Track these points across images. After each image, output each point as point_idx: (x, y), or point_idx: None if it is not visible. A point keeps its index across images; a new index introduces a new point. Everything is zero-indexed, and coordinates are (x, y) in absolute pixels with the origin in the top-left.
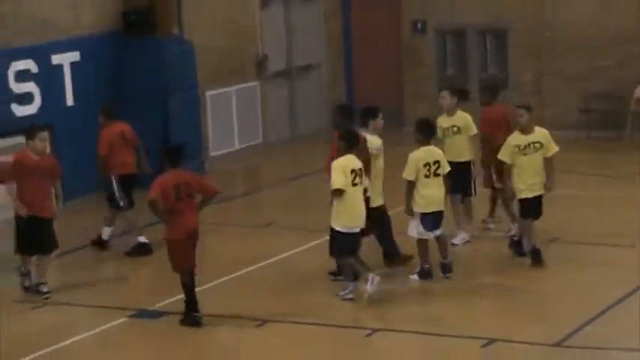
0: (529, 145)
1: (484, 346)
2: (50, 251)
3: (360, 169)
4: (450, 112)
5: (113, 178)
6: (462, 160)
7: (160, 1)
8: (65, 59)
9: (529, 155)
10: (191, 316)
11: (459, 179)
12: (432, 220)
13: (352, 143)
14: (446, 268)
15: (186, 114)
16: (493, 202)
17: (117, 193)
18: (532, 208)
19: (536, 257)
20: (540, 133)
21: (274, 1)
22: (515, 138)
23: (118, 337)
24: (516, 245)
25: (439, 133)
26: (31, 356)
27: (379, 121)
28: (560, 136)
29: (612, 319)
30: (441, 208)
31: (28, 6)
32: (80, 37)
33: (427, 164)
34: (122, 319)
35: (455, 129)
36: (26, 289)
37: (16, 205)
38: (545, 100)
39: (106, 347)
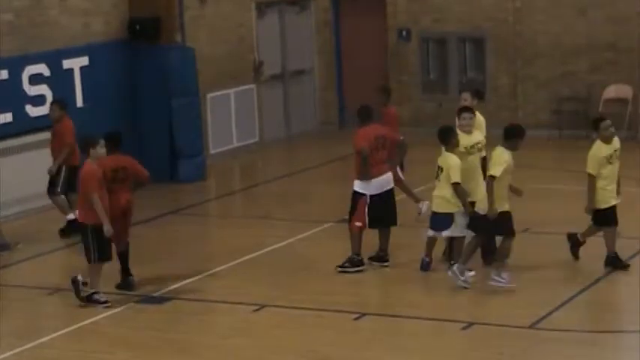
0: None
1: (464, 328)
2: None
3: None
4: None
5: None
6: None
7: (164, 11)
8: (75, 64)
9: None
10: (127, 279)
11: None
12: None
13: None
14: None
15: (188, 115)
16: None
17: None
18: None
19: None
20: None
21: (270, 12)
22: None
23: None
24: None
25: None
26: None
27: None
28: (534, 135)
29: (580, 303)
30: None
31: (41, 16)
32: (90, 44)
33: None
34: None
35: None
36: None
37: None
38: (519, 102)
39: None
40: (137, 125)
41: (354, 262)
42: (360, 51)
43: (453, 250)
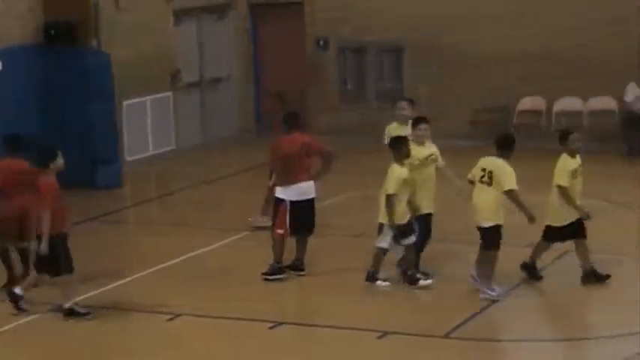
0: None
1: (379, 337)
2: None
3: None
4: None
5: None
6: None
7: (79, 16)
8: None
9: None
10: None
11: None
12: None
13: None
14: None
15: (104, 121)
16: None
17: None
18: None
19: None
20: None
21: (187, 18)
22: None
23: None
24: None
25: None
26: None
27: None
28: (451, 145)
29: (496, 312)
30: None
31: None
32: (4, 48)
33: None
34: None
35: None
36: None
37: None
38: (437, 113)
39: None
40: (53, 131)
41: (274, 271)
42: (278, 59)
43: (405, 259)
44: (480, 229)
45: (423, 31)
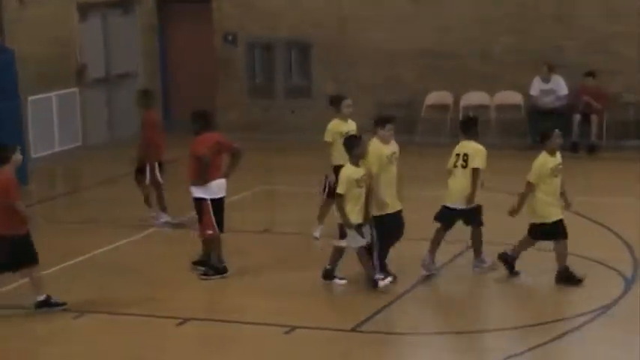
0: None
1: (287, 332)
2: None
3: None
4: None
5: None
6: None
7: None
8: None
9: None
10: None
11: None
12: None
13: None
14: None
15: (8, 118)
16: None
17: None
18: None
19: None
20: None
21: (93, 13)
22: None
23: None
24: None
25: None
26: None
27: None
28: None
29: (401, 306)
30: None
31: None
32: None
33: None
34: None
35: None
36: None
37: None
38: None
39: None
40: None
41: (220, 270)
42: (186, 55)
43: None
44: (462, 210)
45: (329, 28)
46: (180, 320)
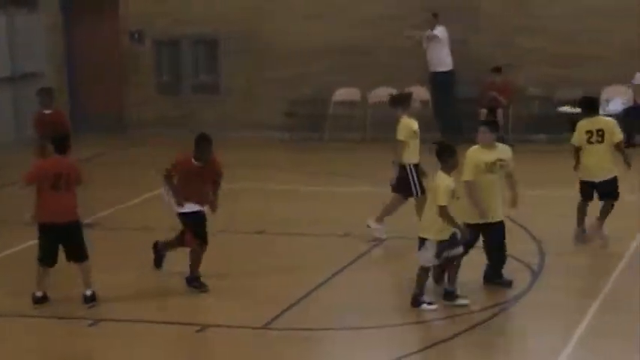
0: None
1: (198, 331)
2: None
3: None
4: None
5: None
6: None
7: None
8: None
9: None
10: None
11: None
12: None
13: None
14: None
15: None
16: None
17: None
18: None
19: None
20: None
21: None
22: None
23: None
24: None
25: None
26: None
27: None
28: (267, 136)
29: (315, 301)
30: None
31: None
32: None
33: None
34: None
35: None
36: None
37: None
38: (254, 104)
39: None
40: None
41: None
42: (93, 53)
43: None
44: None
45: (236, 24)
46: (91, 321)
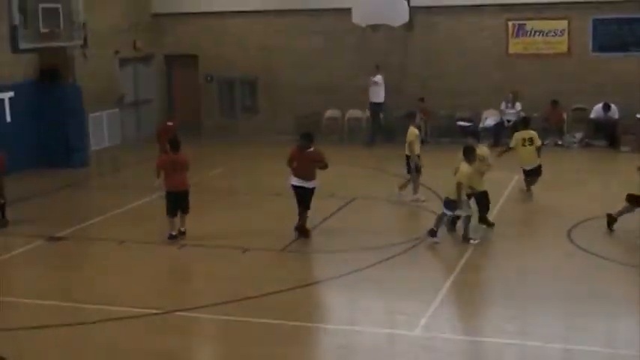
0: None
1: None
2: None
3: None
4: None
5: None
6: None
7: None
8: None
9: None
10: None
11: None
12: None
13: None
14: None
15: None
16: None
17: None
18: None
19: None
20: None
21: None
22: None
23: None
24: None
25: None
26: None
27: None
28: (283, 138)
29: (324, 231)
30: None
31: None
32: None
33: None
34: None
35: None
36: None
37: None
38: (274, 118)
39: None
40: None
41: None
42: (183, 88)
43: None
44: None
45: (265, 71)
46: (180, 246)
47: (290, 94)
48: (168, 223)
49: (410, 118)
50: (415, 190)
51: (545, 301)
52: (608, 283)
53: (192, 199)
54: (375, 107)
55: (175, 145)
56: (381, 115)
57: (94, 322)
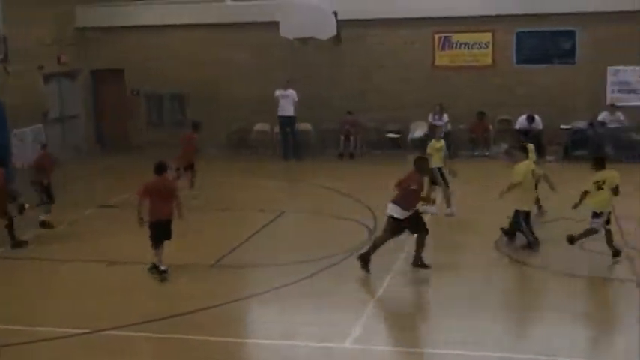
0: None
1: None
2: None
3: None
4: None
5: None
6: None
7: None
8: None
9: None
10: None
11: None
12: None
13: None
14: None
15: None
16: None
17: None
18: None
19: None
20: None
21: None
22: None
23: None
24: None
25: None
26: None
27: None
28: (214, 152)
29: (253, 245)
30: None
31: None
32: None
33: None
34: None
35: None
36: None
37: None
38: (207, 133)
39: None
40: None
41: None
42: (109, 103)
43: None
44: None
45: (194, 85)
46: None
47: (220, 108)
48: (154, 255)
49: (431, 131)
50: (447, 202)
51: (480, 311)
52: (541, 291)
53: (120, 217)
54: (284, 121)
55: (161, 168)
56: (288, 130)
57: (20, 344)
